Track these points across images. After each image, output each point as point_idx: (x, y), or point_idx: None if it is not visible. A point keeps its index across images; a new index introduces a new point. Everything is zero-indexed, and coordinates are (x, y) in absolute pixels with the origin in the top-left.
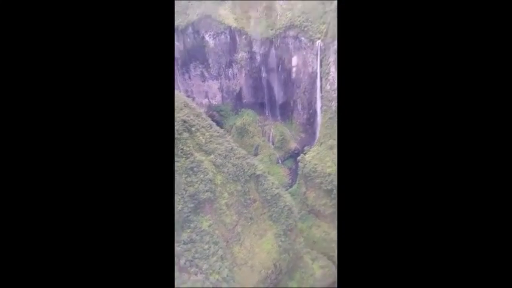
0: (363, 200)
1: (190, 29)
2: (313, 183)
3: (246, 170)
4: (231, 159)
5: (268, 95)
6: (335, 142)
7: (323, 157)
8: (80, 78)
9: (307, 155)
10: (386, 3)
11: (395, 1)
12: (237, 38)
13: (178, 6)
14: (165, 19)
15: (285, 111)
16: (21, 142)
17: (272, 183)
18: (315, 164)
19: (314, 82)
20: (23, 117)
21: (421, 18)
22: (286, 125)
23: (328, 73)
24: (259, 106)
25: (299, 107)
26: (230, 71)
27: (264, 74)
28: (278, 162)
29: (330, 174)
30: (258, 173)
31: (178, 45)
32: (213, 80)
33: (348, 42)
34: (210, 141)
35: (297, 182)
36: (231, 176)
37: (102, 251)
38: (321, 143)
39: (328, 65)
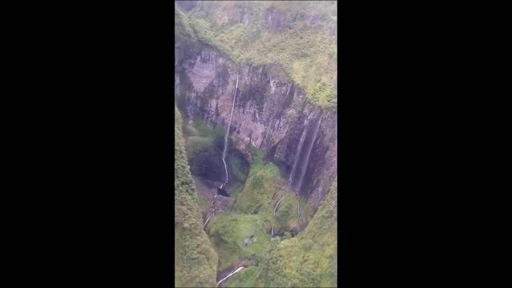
0: (363, 200)
1: (260, 70)
2: (266, 275)
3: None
4: None
5: (297, 161)
6: (313, 244)
7: (292, 254)
8: (72, 79)
9: (282, 242)
10: (386, 3)
11: (395, 2)
12: (295, 95)
13: (261, 45)
14: (166, 20)
15: (307, 186)
16: (19, 150)
17: (198, 245)
18: (280, 256)
19: None
20: (20, 125)
21: (420, 20)
22: (300, 200)
23: None
24: (286, 168)
25: (319, 189)
26: (277, 122)
27: (302, 139)
28: (269, 233)
29: (284, 276)
30: (185, 225)
31: (246, 80)
32: (261, 124)
33: (347, 42)
34: None
35: (259, 265)
36: None
37: (103, 252)
38: (302, 238)
39: None
